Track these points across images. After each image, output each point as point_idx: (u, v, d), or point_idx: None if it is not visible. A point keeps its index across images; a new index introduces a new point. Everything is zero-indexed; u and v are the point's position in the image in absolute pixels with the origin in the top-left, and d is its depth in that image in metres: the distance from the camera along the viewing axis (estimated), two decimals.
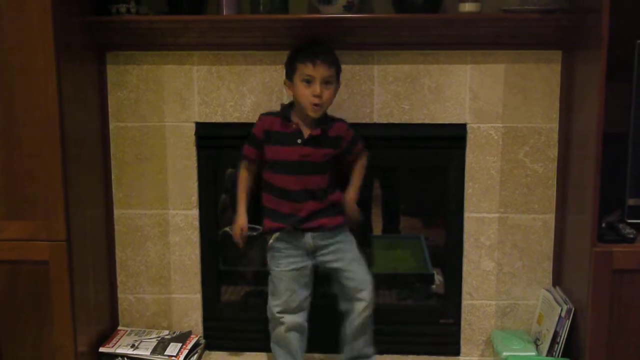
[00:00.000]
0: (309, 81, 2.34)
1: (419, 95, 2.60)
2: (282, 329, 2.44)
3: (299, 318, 2.45)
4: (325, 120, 2.44)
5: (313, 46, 2.39)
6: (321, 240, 2.44)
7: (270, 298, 2.48)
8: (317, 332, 2.57)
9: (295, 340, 2.46)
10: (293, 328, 2.44)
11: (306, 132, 2.41)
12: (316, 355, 2.72)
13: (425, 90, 2.60)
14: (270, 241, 2.48)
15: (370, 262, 3.06)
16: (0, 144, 2.32)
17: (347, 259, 2.45)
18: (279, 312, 2.44)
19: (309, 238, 2.43)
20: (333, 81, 2.37)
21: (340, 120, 2.49)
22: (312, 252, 2.45)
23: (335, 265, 2.45)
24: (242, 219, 2.51)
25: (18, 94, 2.29)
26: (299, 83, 2.36)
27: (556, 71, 2.55)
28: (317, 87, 2.33)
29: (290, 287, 2.44)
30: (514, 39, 2.52)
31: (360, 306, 2.42)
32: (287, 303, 2.44)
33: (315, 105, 2.34)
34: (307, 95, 2.35)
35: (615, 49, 2.17)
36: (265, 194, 2.49)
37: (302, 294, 2.45)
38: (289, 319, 2.44)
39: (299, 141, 2.40)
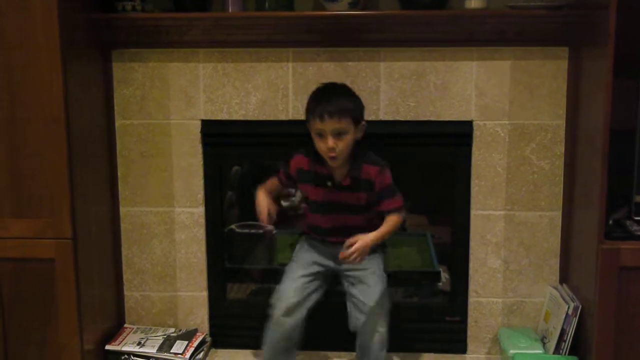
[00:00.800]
0: (321, 135, 2.31)
1: (425, 92, 2.59)
2: (279, 313, 2.39)
3: (299, 313, 2.40)
4: (356, 162, 2.38)
5: (323, 96, 2.34)
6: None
7: (283, 280, 2.45)
8: (326, 328, 2.57)
9: (291, 327, 2.40)
10: (290, 316, 2.39)
11: (337, 176, 2.39)
12: (326, 352, 2.73)
13: (431, 87, 2.59)
14: (303, 236, 2.55)
15: None
16: (6, 142, 2.32)
17: (364, 272, 2.41)
18: (283, 298, 2.39)
19: (339, 247, 2.37)
20: (347, 131, 2.30)
21: (371, 162, 2.38)
22: (335, 257, 2.40)
23: (352, 273, 2.42)
24: (265, 200, 2.46)
25: (23, 92, 2.29)
26: (314, 135, 2.34)
27: (563, 68, 2.54)
28: (329, 141, 2.29)
29: (305, 274, 2.44)
30: (520, 35, 2.51)
31: (368, 318, 2.37)
32: (295, 291, 2.40)
33: (331, 157, 2.31)
34: (322, 148, 2.32)
35: (623, 45, 2.15)
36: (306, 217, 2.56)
37: (312, 290, 2.43)
38: (288, 306, 2.38)
39: (329, 184, 2.39)
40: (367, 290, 2.38)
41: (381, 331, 2.38)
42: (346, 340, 2.48)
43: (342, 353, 2.72)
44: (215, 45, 2.61)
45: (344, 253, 2.27)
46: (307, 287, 2.43)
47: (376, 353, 2.39)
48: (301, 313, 2.40)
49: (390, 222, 2.38)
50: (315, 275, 2.45)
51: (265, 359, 2.45)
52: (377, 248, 2.44)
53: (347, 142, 2.31)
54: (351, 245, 2.27)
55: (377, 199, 2.39)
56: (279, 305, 2.39)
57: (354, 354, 2.48)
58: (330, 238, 2.45)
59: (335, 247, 2.39)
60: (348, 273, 2.43)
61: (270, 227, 2.51)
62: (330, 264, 2.46)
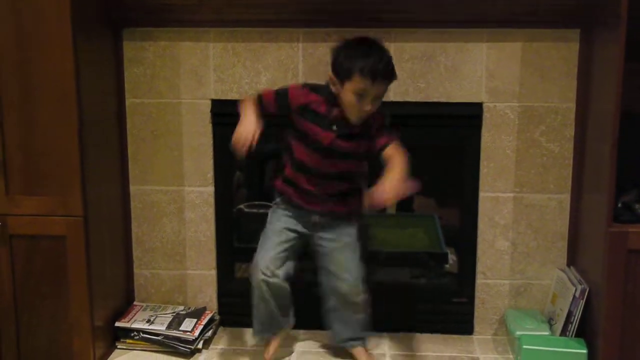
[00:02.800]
0: (361, 95, 2.16)
1: (435, 73, 2.59)
2: (261, 278, 2.39)
3: (283, 274, 2.40)
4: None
5: (374, 57, 2.15)
6: (323, 218, 2.39)
7: (258, 251, 2.43)
8: (306, 308, 2.58)
9: (276, 291, 2.41)
10: (274, 282, 2.39)
11: (349, 124, 2.26)
12: (302, 331, 2.75)
13: (441, 69, 2.59)
14: (277, 199, 2.46)
15: (384, 240, 3.09)
16: (18, 121, 2.34)
17: (342, 246, 2.41)
18: (263, 266, 2.38)
19: (315, 216, 2.39)
20: (384, 95, 2.23)
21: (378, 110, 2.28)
22: (311, 226, 2.41)
23: (328, 245, 2.41)
24: (250, 120, 2.23)
25: (34, 71, 2.30)
26: (349, 92, 2.18)
27: (574, 50, 2.53)
28: (368, 104, 2.18)
29: (281, 242, 2.40)
30: (531, 16, 2.49)
31: (343, 286, 2.39)
32: (275, 259, 2.38)
33: (359, 117, 2.23)
34: (355, 106, 2.19)
35: (634, 27, 2.14)
36: (287, 158, 2.40)
37: (290, 252, 2.41)
38: (273, 272, 2.38)
39: (335, 128, 2.27)
40: (339, 265, 2.40)
41: (357, 300, 2.42)
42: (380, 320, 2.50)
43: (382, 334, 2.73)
44: (226, 24, 2.61)
45: (375, 195, 2.03)
46: (282, 255, 2.40)
47: (353, 317, 2.47)
48: (280, 277, 2.39)
49: (398, 158, 2.21)
50: (295, 242, 2.42)
51: (255, 329, 2.50)
52: (353, 218, 2.41)
53: (377, 106, 2.21)
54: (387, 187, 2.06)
55: (375, 137, 2.28)
56: (255, 273, 2.39)
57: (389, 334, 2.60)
58: (316, 185, 2.34)
59: (309, 214, 2.38)
60: (320, 243, 2.41)
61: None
62: (305, 231, 2.41)
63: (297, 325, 2.60)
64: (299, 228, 2.42)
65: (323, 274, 2.47)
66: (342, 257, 2.41)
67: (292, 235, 2.42)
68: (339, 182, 2.35)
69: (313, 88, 2.32)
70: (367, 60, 2.14)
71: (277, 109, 2.33)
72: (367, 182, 2.34)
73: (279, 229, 2.42)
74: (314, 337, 2.73)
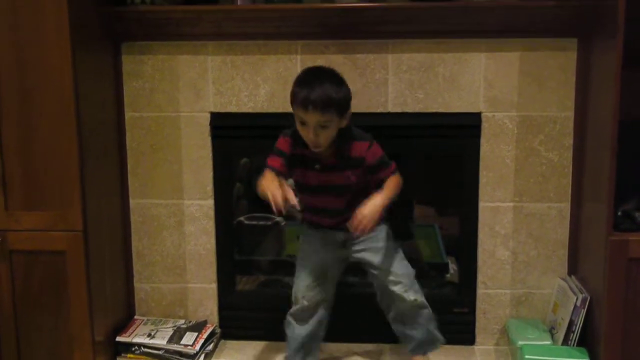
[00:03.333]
0: (303, 123, 2.22)
1: (433, 84, 2.60)
2: (298, 309, 2.44)
3: (318, 306, 2.44)
4: (343, 141, 2.29)
5: (307, 83, 2.21)
6: (349, 235, 2.37)
7: (295, 282, 2.47)
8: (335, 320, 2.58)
9: (306, 326, 2.46)
10: (309, 314, 2.44)
11: (324, 158, 2.30)
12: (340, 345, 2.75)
13: (439, 79, 2.59)
14: (305, 227, 2.50)
15: None
16: (17, 135, 2.34)
17: (376, 251, 2.40)
18: (300, 296, 2.43)
19: (340, 234, 2.40)
20: (330, 123, 2.20)
21: (361, 138, 2.31)
22: (342, 244, 2.42)
23: (364, 255, 2.41)
24: (278, 188, 2.19)
25: (34, 85, 2.30)
26: (297, 121, 2.25)
27: (572, 59, 2.54)
28: (310, 132, 2.20)
29: (315, 273, 2.43)
30: (529, 26, 2.50)
31: (395, 287, 2.38)
32: (309, 288, 2.42)
33: (314, 147, 2.24)
34: (305, 135, 2.24)
35: (632, 36, 2.15)
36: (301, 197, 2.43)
37: (327, 283, 2.44)
38: (307, 304, 2.43)
39: (317, 167, 2.31)
40: (387, 271, 2.39)
41: (417, 300, 2.41)
42: (371, 331, 2.49)
43: (368, 345, 2.75)
44: (225, 37, 2.62)
45: (353, 222, 2.19)
46: (317, 283, 2.43)
47: (420, 325, 2.47)
48: (318, 309, 2.44)
49: (390, 183, 2.30)
50: (323, 268, 2.44)
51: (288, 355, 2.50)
52: (380, 221, 2.39)
53: (330, 133, 2.22)
54: (360, 215, 2.20)
55: (372, 173, 2.32)
56: (294, 306, 2.45)
57: (381, 345, 2.53)
58: (324, 221, 2.41)
59: (334, 233, 2.39)
60: (363, 257, 2.42)
61: (281, 217, 2.42)
62: (338, 256, 2.45)
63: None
64: (330, 250, 2.43)
65: (375, 286, 2.47)
66: (385, 262, 2.40)
67: (325, 260, 2.44)
68: (343, 213, 2.34)
69: (290, 133, 2.34)
70: (303, 90, 2.19)
71: (284, 165, 2.31)
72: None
73: (311, 257, 2.45)
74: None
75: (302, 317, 2.46)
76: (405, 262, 2.44)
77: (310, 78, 2.25)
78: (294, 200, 2.16)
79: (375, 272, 2.42)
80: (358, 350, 2.71)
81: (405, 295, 2.40)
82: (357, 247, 2.41)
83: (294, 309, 2.46)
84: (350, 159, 2.30)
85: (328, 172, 2.32)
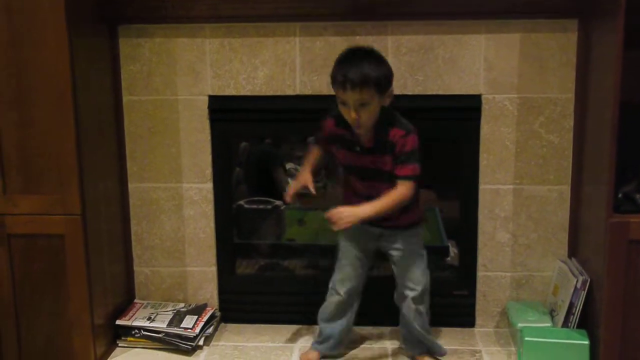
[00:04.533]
0: (344, 103, 2.21)
1: (433, 66, 2.58)
2: (335, 298, 2.48)
3: (350, 293, 2.47)
4: (383, 125, 2.26)
5: (346, 63, 2.20)
6: (386, 231, 2.40)
7: (334, 274, 2.50)
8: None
9: (339, 309, 2.50)
10: (343, 300, 2.48)
11: (363, 140, 2.29)
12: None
13: (439, 61, 2.57)
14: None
15: None
16: (15, 120, 2.33)
17: (405, 253, 2.40)
18: (337, 285, 2.47)
19: (377, 230, 2.40)
20: (370, 102, 2.18)
21: (401, 126, 2.27)
22: (377, 237, 2.42)
23: (395, 254, 2.42)
24: (304, 175, 2.40)
25: (30, 69, 2.29)
26: (338, 101, 2.24)
27: (572, 40, 2.52)
28: (351, 112, 2.19)
29: (352, 263, 2.45)
30: (529, 7, 2.48)
31: (408, 297, 2.41)
32: (345, 278, 2.46)
33: (356, 127, 2.24)
34: (346, 114, 2.23)
35: (633, 17, 2.13)
36: (343, 188, 2.46)
37: (359, 272, 2.46)
38: (340, 292, 2.47)
39: (358, 149, 2.31)
40: (405, 274, 2.41)
41: (420, 310, 2.42)
42: (372, 314, 2.50)
43: (368, 328, 2.76)
44: (222, 20, 2.60)
45: (331, 213, 2.21)
46: (355, 274, 2.46)
47: (417, 330, 2.45)
48: (352, 294, 2.49)
49: (391, 194, 2.26)
50: (365, 259, 2.47)
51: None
52: (414, 223, 2.41)
53: (372, 112, 2.20)
54: (338, 212, 2.22)
55: (394, 162, 2.27)
56: (331, 294, 2.50)
57: (381, 328, 2.61)
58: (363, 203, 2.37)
59: (370, 227, 2.39)
60: (390, 252, 2.43)
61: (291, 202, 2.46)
62: (372, 246, 2.46)
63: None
64: (366, 244, 2.45)
65: (396, 281, 2.49)
66: (407, 265, 2.41)
67: (360, 254, 2.46)
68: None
69: (335, 114, 2.33)
70: (341, 69, 2.19)
71: (325, 146, 2.43)
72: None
73: (349, 252, 2.46)
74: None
75: (338, 311, 2.50)
76: (425, 271, 2.43)
77: (349, 57, 2.23)
78: (310, 187, 2.35)
79: (396, 271, 2.43)
80: (359, 332, 2.71)
81: (413, 303, 2.41)
82: (391, 245, 2.41)
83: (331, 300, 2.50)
84: (388, 143, 2.26)
85: (368, 155, 2.30)
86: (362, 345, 2.64)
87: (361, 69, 2.16)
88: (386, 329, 2.74)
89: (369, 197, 2.30)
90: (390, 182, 2.28)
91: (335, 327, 2.51)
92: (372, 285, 2.53)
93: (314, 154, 2.46)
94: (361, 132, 2.26)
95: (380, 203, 2.25)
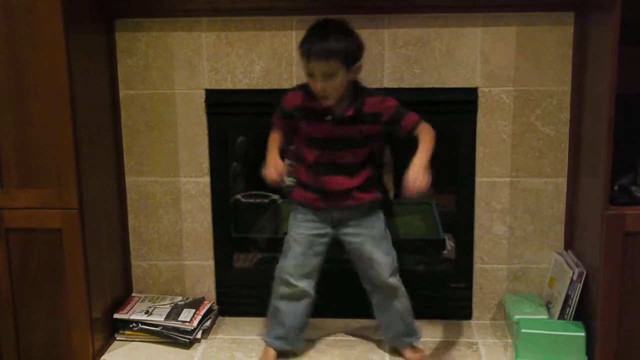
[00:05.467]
0: (310, 75, 2.21)
1: (429, 59, 2.58)
2: (286, 291, 2.44)
3: (307, 285, 2.43)
4: (357, 96, 2.28)
5: (313, 34, 2.21)
6: (344, 214, 2.39)
7: (281, 259, 2.46)
8: (332, 296, 2.59)
9: (293, 308, 2.46)
10: (296, 294, 2.44)
11: (337, 110, 2.28)
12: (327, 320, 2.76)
13: (435, 54, 2.58)
14: (295, 205, 2.46)
15: None
16: (11, 114, 2.32)
17: (367, 238, 2.39)
18: (287, 274, 2.42)
19: (335, 213, 2.39)
20: (336, 73, 2.18)
21: (374, 93, 2.32)
22: (334, 224, 2.41)
23: (354, 240, 2.40)
24: (275, 160, 2.29)
25: (27, 65, 2.28)
26: (305, 73, 2.24)
27: (569, 33, 2.52)
28: (317, 83, 2.20)
29: (305, 251, 2.41)
30: (525, 0, 2.48)
31: (377, 276, 2.39)
32: (297, 267, 2.42)
33: (322, 97, 2.24)
34: (313, 86, 2.23)
35: (629, 10, 2.13)
36: (298, 165, 2.43)
37: (315, 261, 2.43)
38: (295, 282, 2.42)
39: (328, 118, 2.29)
40: (373, 257, 2.38)
41: (397, 284, 2.42)
42: (367, 307, 2.50)
43: (364, 320, 2.75)
44: (219, 13, 2.59)
45: (407, 183, 2.14)
46: (314, 260, 2.43)
47: (399, 312, 2.45)
48: (311, 287, 2.44)
49: (423, 135, 2.27)
50: (320, 246, 2.43)
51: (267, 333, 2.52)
52: (374, 206, 2.40)
53: (338, 84, 2.20)
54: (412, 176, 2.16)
55: (393, 126, 2.30)
56: (280, 284, 2.45)
57: (376, 320, 2.55)
58: (322, 178, 2.35)
59: (329, 212, 2.38)
60: (347, 239, 2.41)
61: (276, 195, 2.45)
62: (329, 231, 2.42)
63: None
64: (320, 227, 2.41)
65: (358, 269, 2.46)
66: (371, 249, 2.39)
67: (314, 240, 2.41)
68: (353, 172, 2.34)
69: (302, 86, 2.34)
70: (309, 41, 2.20)
71: (287, 124, 2.38)
72: (390, 170, 2.37)
73: (301, 236, 2.42)
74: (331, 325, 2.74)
75: (292, 298, 2.46)
76: (391, 247, 2.42)
77: (317, 29, 2.24)
78: (285, 178, 2.31)
79: (362, 260, 2.42)
80: (355, 325, 2.72)
81: (384, 283, 2.40)
82: (350, 231, 2.40)
83: (281, 290, 2.45)
84: (364, 114, 2.28)
85: (341, 125, 2.29)
86: (361, 338, 2.65)
87: (327, 40, 2.17)
88: None
89: (324, 167, 2.32)
90: (352, 149, 2.30)
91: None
92: None
93: (276, 140, 2.36)
94: (327, 104, 2.25)
95: (425, 144, 2.26)
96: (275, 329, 2.50)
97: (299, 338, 2.52)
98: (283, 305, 2.46)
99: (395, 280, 2.41)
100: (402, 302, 2.45)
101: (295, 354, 2.52)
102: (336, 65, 2.17)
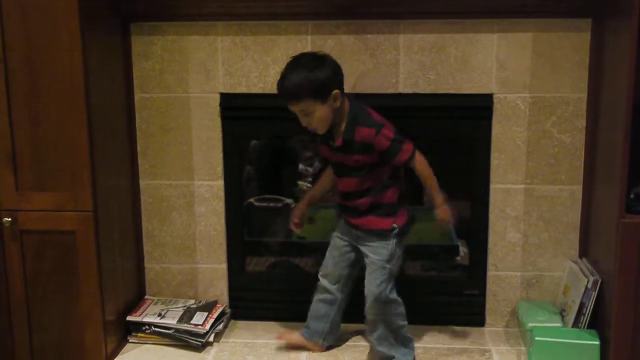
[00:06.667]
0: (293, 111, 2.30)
1: (444, 65, 2.57)
2: (318, 288, 2.55)
3: (329, 285, 2.52)
4: (350, 125, 2.31)
5: (282, 76, 2.27)
6: (358, 232, 2.44)
7: (323, 264, 2.57)
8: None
9: (322, 307, 2.54)
10: (321, 292, 2.54)
11: (335, 137, 2.35)
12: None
13: (451, 60, 2.57)
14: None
15: None
16: (27, 116, 2.34)
17: (369, 263, 2.42)
18: (320, 274, 2.55)
19: (354, 230, 2.45)
20: (312, 109, 2.24)
21: (366, 124, 2.30)
22: (354, 238, 2.47)
23: (364, 258, 2.45)
24: (298, 206, 2.58)
25: (43, 66, 2.30)
26: None
27: (585, 40, 2.51)
28: (301, 120, 2.30)
29: (334, 255, 2.51)
30: (542, 7, 2.47)
31: (368, 298, 2.42)
32: (327, 267, 2.53)
33: (312, 130, 2.32)
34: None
35: None
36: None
37: (341, 265, 2.50)
38: (324, 282, 2.52)
39: (331, 143, 2.36)
40: (369, 278, 2.41)
41: (372, 319, 2.42)
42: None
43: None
44: (234, 18, 2.60)
45: (442, 223, 2.40)
46: (341, 264, 2.51)
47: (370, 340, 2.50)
48: (337, 289, 2.53)
49: (422, 172, 2.36)
50: (348, 253, 2.51)
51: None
52: (385, 236, 2.39)
53: (320, 117, 2.25)
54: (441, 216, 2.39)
55: (387, 160, 2.33)
56: (320, 283, 2.55)
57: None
58: (345, 202, 2.44)
59: (352, 228, 2.45)
60: (362, 250, 2.46)
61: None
62: (353, 243, 2.49)
63: None
64: (347, 240, 2.50)
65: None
66: (368, 273, 2.42)
67: (342, 248, 2.51)
68: (358, 198, 2.39)
69: None
70: (279, 83, 2.28)
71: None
72: (400, 199, 2.43)
73: (334, 242, 2.54)
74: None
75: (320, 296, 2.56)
76: (382, 285, 2.38)
77: (285, 69, 2.28)
78: (298, 221, 2.55)
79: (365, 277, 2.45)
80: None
81: (369, 309, 2.41)
82: (363, 249, 2.45)
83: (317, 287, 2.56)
84: (355, 143, 2.30)
85: (339, 152, 2.35)
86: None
87: (292, 79, 2.22)
88: None
89: (342, 193, 2.43)
90: (355, 177, 2.35)
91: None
92: None
93: (320, 181, 2.59)
94: (321, 132, 2.32)
95: (431, 182, 2.38)
96: (308, 319, 2.59)
97: (321, 335, 2.57)
98: (314, 301, 2.57)
99: (372, 315, 2.41)
100: (378, 333, 2.44)
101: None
102: (308, 103, 2.23)
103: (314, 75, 2.22)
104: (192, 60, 2.66)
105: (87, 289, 2.43)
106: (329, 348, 2.60)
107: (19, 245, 2.41)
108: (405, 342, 2.47)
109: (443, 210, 2.38)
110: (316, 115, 2.25)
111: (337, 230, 2.54)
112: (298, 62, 2.28)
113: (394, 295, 2.41)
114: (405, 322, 2.46)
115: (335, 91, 2.26)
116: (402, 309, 2.44)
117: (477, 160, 2.66)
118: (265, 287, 2.85)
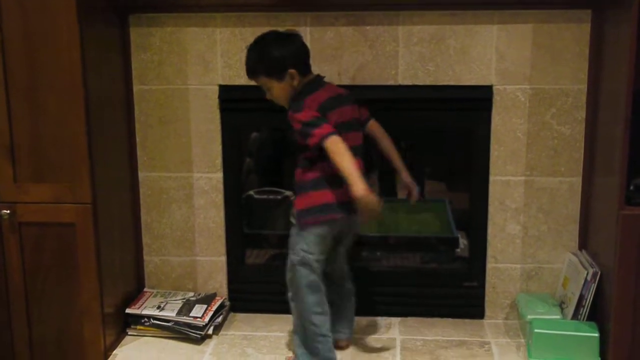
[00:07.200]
0: None
1: (444, 56, 2.57)
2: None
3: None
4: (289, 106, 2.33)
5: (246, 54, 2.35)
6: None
7: None
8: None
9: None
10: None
11: None
12: None
13: (450, 52, 2.56)
14: None
15: (395, 225, 3.08)
16: (26, 108, 2.33)
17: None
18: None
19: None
20: (269, 86, 2.30)
21: (291, 107, 2.28)
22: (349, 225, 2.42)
23: (347, 240, 2.45)
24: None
25: (42, 58, 2.29)
26: None
27: (585, 31, 2.50)
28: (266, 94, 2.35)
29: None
30: None
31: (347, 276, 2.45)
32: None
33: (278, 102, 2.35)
34: None
35: None
36: None
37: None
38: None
39: None
40: (344, 255, 2.46)
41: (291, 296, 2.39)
42: (380, 305, 2.50)
43: (377, 318, 2.75)
44: (233, 9, 2.59)
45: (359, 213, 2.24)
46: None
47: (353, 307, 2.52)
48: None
49: (332, 158, 2.19)
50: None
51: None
52: (295, 218, 2.37)
53: (279, 94, 2.31)
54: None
55: (302, 142, 2.27)
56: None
57: (389, 318, 2.62)
58: None
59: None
60: (346, 239, 2.44)
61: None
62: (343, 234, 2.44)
63: None
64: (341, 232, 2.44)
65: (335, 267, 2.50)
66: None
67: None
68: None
69: None
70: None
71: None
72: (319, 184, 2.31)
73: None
74: None
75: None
76: (297, 249, 2.34)
77: (249, 45, 2.35)
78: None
79: (340, 254, 2.45)
80: (367, 323, 2.72)
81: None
82: (352, 229, 2.44)
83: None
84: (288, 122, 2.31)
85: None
86: (372, 336, 2.64)
87: (249, 57, 2.33)
88: (395, 319, 2.74)
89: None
90: (301, 156, 2.33)
91: None
92: (381, 276, 2.52)
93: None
94: (285, 106, 2.33)
95: (343, 170, 2.17)
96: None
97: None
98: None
99: (288, 280, 2.37)
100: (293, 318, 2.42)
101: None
102: (263, 79, 2.31)
103: (268, 53, 2.29)
104: (190, 51, 2.65)
105: (86, 282, 2.43)
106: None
107: (18, 238, 2.41)
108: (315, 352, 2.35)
109: (361, 204, 2.17)
110: (274, 92, 2.32)
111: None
112: (261, 40, 2.34)
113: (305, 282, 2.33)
114: (323, 330, 2.34)
115: (291, 70, 2.27)
116: (315, 301, 2.33)
117: (476, 152, 2.65)
118: (264, 280, 2.84)
